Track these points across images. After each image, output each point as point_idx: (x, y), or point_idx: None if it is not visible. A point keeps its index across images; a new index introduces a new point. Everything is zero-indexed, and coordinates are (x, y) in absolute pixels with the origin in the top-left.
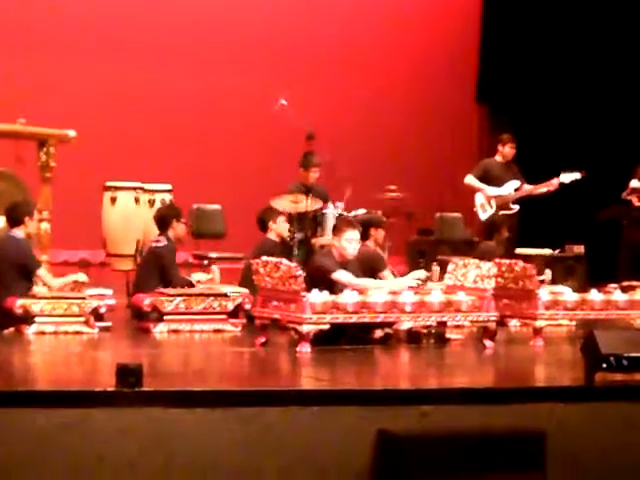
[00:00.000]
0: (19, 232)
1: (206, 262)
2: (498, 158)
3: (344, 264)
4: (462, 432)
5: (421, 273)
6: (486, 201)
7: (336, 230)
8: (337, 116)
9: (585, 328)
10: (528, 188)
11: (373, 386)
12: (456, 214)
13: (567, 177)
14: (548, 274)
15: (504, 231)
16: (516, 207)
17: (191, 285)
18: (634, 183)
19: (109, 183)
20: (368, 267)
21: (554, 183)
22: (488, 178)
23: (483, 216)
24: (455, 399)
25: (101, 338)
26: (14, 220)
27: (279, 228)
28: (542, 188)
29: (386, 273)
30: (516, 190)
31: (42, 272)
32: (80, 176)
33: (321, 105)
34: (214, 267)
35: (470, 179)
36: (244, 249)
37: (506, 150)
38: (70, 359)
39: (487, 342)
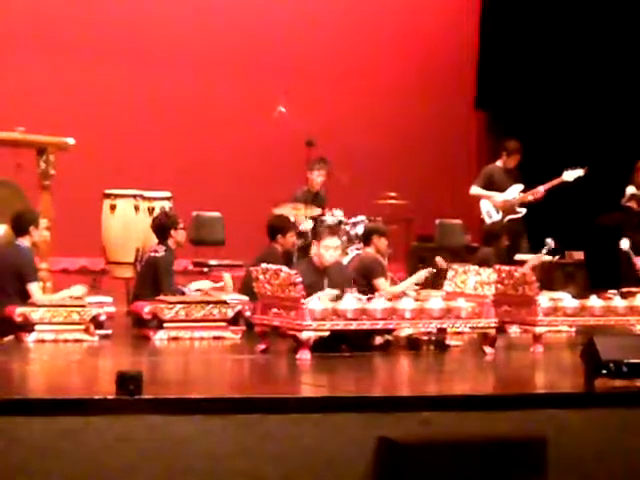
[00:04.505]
0: (24, 241)
1: (206, 269)
2: (499, 164)
3: (322, 271)
4: (462, 439)
5: (423, 273)
6: (493, 208)
7: (316, 236)
8: (336, 123)
9: (585, 334)
10: (524, 195)
11: (373, 393)
12: (456, 220)
13: (570, 175)
14: (550, 243)
15: (504, 239)
16: (522, 210)
17: (182, 295)
18: (630, 189)
19: (108, 191)
20: (363, 273)
21: (540, 190)
22: (492, 185)
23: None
24: (455, 406)
25: (101, 346)
26: (19, 229)
27: (287, 243)
28: (528, 196)
29: (381, 281)
30: (520, 193)
31: (33, 287)
32: (79, 184)
33: (320, 112)
34: (226, 275)
35: (476, 190)
36: (244, 256)
37: (512, 161)
38: (70, 367)
39: (487, 348)
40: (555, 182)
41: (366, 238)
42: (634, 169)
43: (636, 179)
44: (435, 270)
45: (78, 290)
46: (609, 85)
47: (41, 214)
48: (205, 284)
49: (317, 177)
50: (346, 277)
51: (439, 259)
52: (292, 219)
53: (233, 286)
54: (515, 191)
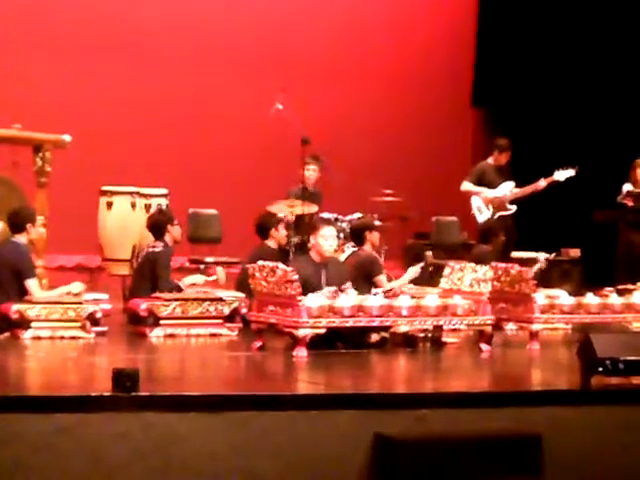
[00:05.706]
0: (21, 238)
1: (202, 266)
2: (490, 161)
3: (322, 265)
4: (458, 436)
5: (416, 269)
6: (483, 204)
7: (312, 229)
8: (333, 120)
9: (581, 332)
10: (517, 190)
11: (369, 390)
12: (452, 218)
13: (562, 175)
14: (542, 261)
15: (501, 235)
16: (513, 207)
17: (179, 290)
18: (627, 186)
19: (105, 188)
20: (363, 271)
21: (541, 184)
22: (483, 182)
23: (480, 218)
24: (451, 403)
25: (97, 343)
26: (16, 226)
27: (279, 235)
28: (529, 190)
29: (381, 277)
30: (511, 191)
31: (32, 283)
32: (76, 181)
33: (317, 109)
34: (219, 268)
35: (466, 185)
36: (240, 254)
37: (503, 158)
38: (66, 364)
39: (483, 346)
40: (547, 181)
41: (358, 236)
42: (631, 167)
43: (633, 177)
44: (424, 264)
45: (77, 287)
46: (606, 83)
47: (37, 211)
48: (199, 278)
49: (307, 172)
50: (343, 273)
51: (429, 254)
52: (282, 215)
53: (226, 281)
54: (506, 188)
